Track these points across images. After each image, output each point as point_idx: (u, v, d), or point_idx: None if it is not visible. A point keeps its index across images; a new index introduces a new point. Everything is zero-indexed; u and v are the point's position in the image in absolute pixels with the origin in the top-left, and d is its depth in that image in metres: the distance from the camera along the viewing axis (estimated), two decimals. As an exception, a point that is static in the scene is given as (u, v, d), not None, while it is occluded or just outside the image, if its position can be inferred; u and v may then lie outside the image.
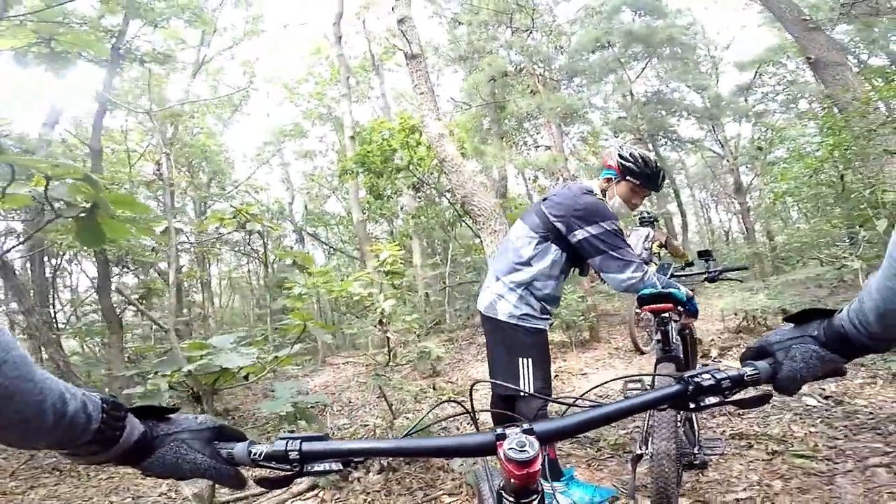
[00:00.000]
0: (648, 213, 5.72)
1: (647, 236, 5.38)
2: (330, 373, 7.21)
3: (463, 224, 9.20)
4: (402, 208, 10.69)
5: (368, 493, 2.50)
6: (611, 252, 1.90)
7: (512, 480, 0.57)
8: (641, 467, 1.81)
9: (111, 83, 5.36)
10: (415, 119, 6.98)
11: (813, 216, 10.05)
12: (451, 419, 3.16)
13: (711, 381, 0.62)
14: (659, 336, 1.97)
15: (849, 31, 9.60)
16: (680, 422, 1.78)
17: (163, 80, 9.84)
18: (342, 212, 18.43)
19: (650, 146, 16.87)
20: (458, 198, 3.83)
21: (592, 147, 17.31)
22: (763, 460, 2.37)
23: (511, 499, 0.59)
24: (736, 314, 5.98)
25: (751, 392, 0.66)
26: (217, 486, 2.79)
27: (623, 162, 2.08)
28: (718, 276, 2.41)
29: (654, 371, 1.95)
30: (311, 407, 1.61)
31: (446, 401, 0.88)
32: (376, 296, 2.59)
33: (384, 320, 2.62)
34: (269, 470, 0.58)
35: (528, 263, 1.99)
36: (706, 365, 3.90)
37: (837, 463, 2.18)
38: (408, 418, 3.54)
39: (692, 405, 0.63)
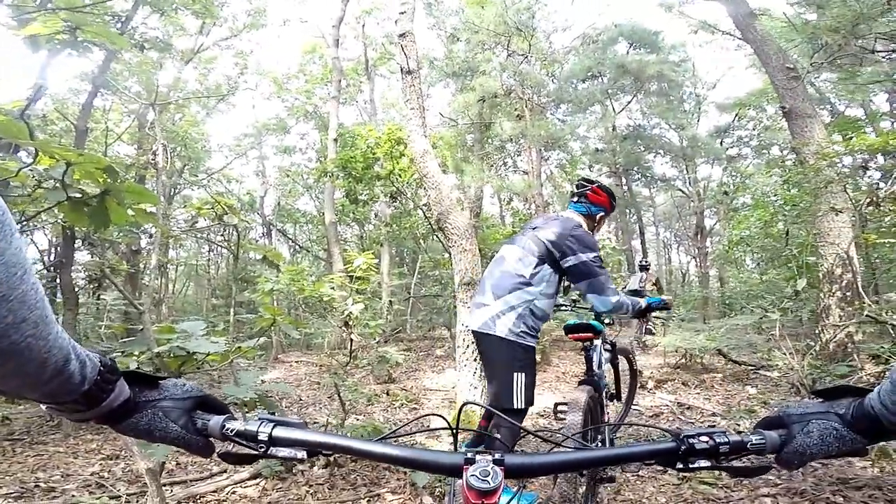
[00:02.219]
0: (645, 261, 7.63)
1: (643, 277, 7.16)
2: (281, 370, 7.23)
3: (435, 238, 9.39)
4: (375, 215, 10.81)
5: (311, 486, 2.62)
6: (599, 277, 2.15)
7: None
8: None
9: (108, 66, 5.33)
10: (401, 132, 7.16)
11: (766, 266, 10.66)
12: (429, 433, 3.25)
13: (708, 444, 0.58)
14: (585, 360, 2.24)
15: (831, 80, 9.60)
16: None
17: (155, 65, 9.72)
18: (313, 210, 18.36)
19: (624, 180, 17.47)
20: (434, 214, 4.00)
21: (569, 175, 17.81)
22: (674, 485, 2.63)
23: None
24: (676, 351, 6.37)
25: (751, 460, 0.62)
26: (181, 457, 2.85)
27: (613, 202, 2.41)
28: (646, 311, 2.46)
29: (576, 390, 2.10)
30: (270, 396, 1.74)
31: (433, 415, 0.90)
32: (344, 298, 2.73)
33: (350, 322, 2.77)
34: (237, 446, 0.60)
35: (529, 283, 2.15)
36: (651, 391, 4.19)
37: (734, 491, 2.47)
38: (358, 419, 3.68)
39: (680, 465, 0.59)
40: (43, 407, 0.54)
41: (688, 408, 4.42)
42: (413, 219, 9.76)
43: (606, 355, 2.45)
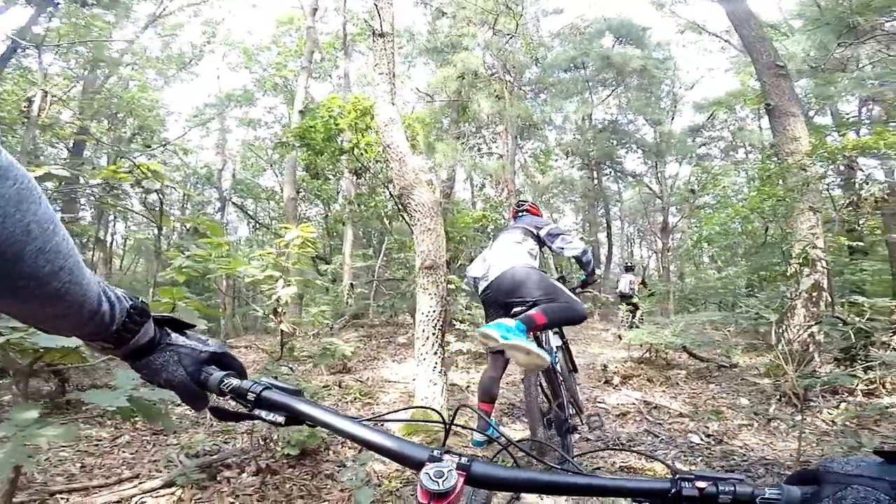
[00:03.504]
0: (631, 263, 9.10)
1: (631, 279, 8.76)
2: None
3: (402, 218, 8.98)
4: (339, 193, 10.31)
5: (238, 497, 2.24)
6: (564, 235, 3.04)
7: None
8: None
9: (35, 21, 4.62)
10: (368, 101, 6.68)
11: (726, 264, 10.88)
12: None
13: (703, 493, 0.49)
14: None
15: (807, 86, 9.51)
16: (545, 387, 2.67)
17: (109, 26, 8.79)
18: (276, 187, 17.62)
19: (595, 173, 17.57)
20: (397, 188, 3.64)
21: (542, 166, 17.73)
22: None
23: None
24: (641, 346, 6.26)
25: None
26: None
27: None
28: (582, 286, 3.28)
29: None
30: (156, 403, 1.35)
31: (428, 408, 0.79)
32: (274, 281, 2.32)
33: (279, 310, 2.36)
34: (234, 405, 0.61)
35: (531, 253, 2.94)
36: (617, 387, 3.99)
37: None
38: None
39: None
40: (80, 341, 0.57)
41: (655, 407, 4.25)
42: (379, 197, 9.31)
43: (557, 340, 2.85)
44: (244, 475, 2.37)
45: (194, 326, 0.67)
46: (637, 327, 7.56)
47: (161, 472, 2.47)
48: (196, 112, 16.92)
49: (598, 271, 3.08)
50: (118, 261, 13.70)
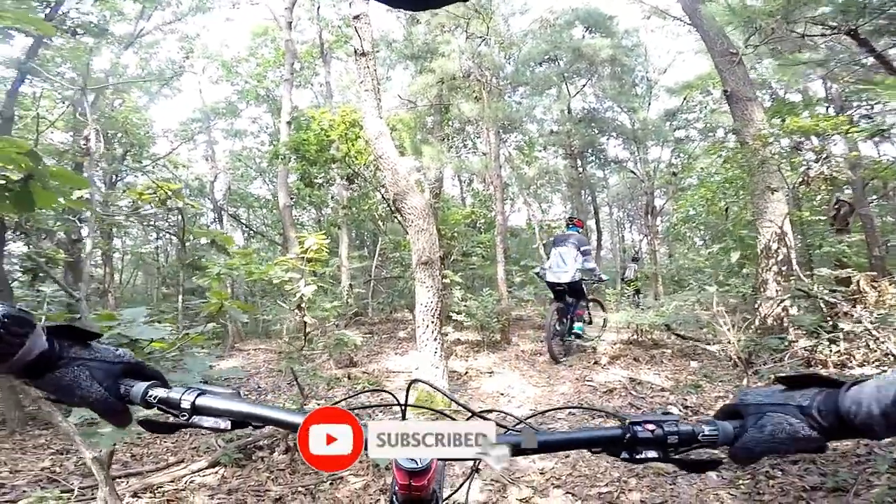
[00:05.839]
0: (637, 252, 10.31)
1: (636, 268, 11.30)
2: (239, 359, 7.07)
3: (395, 220, 9.32)
4: (332, 198, 10.61)
5: (272, 472, 2.60)
6: (589, 255, 5.79)
7: (397, 488, 0.54)
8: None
9: (36, 52, 4.90)
10: (356, 114, 7.00)
11: (710, 243, 11.27)
12: (379, 408, 3.29)
13: (654, 434, 0.54)
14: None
15: (772, 66, 9.55)
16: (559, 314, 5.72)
17: (89, 50, 9.03)
18: (268, 195, 17.91)
19: (579, 162, 17.88)
20: (391, 195, 3.98)
21: (527, 157, 18.03)
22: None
23: None
24: (628, 327, 6.66)
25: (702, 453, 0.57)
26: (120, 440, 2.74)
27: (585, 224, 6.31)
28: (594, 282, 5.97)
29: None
30: (224, 380, 1.69)
31: (381, 390, 0.86)
32: (296, 281, 2.68)
33: (303, 305, 2.72)
34: (164, 415, 0.58)
35: (577, 265, 5.59)
36: (605, 367, 4.38)
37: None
38: (319, 403, 3.67)
39: (626, 455, 0.54)
40: None
41: (639, 383, 4.64)
42: (371, 201, 9.64)
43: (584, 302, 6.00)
44: (275, 454, 2.73)
45: (100, 336, 0.60)
46: (639, 306, 8.01)
47: (202, 456, 2.83)
48: (183, 127, 17.16)
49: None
50: (118, 275, 13.96)
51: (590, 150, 17.34)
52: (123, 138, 11.73)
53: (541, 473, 2.66)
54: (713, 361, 5.46)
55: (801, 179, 4.65)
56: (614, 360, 5.62)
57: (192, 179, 16.39)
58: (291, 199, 10.19)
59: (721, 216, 8.35)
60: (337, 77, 16.22)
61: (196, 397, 0.56)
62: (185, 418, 0.56)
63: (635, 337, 6.58)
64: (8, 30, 1.35)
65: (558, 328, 5.80)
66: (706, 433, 0.54)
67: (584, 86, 15.35)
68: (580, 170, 17.63)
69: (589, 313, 6.34)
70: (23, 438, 3.62)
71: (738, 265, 7.10)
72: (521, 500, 2.38)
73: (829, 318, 4.46)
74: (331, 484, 2.48)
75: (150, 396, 0.57)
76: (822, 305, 4.45)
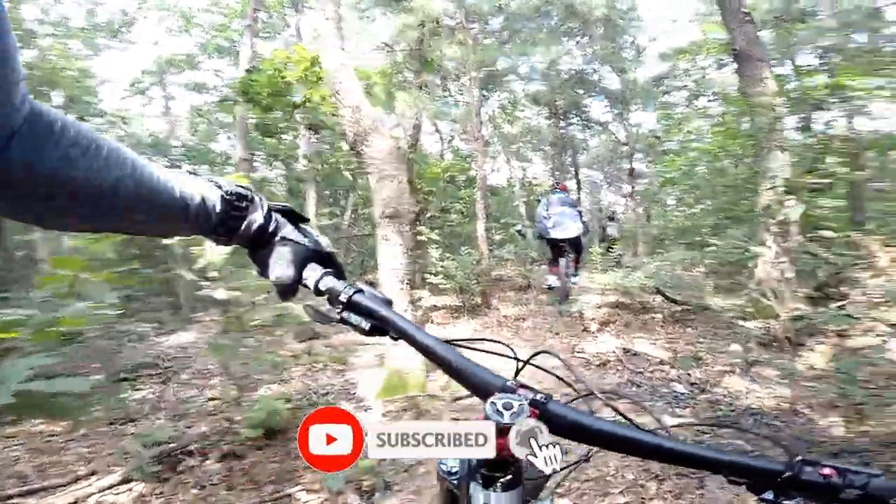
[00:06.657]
0: (613, 213, 12.34)
1: (617, 226, 11.74)
2: (194, 333, 6.34)
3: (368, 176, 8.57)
4: (299, 150, 9.76)
5: (203, 487, 2.05)
6: (581, 215, 6.70)
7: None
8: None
9: None
10: (316, 52, 6.12)
11: (692, 205, 11.04)
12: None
13: (829, 480, 0.41)
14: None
15: (769, 36, 9.77)
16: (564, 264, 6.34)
17: None
18: (232, 151, 16.86)
19: (562, 122, 17.40)
20: (350, 136, 3.34)
21: (509, 116, 17.37)
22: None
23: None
24: (616, 290, 6.26)
25: None
26: None
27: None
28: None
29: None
30: (57, 395, 1.11)
31: (497, 342, 0.70)
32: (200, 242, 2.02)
33: (211, 275, 2.09)
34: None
35: (576, 219, 6.46)
36: (594, 335, 3.85)
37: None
38: (271, 389, 3.11)
39: (770, 495, 0.44)
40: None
41: (634, 354, 4.24)
42: (341, 153, 8.85)
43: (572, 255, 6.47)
44: (208, 462, 2.17)
45: (308, 220, 0.66)
46: (619, 264, 7.64)
47: (120, 465, 2.25)
48: (134, 81, 15.93)
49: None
50: (66, 239, 12.91)
51: (574, 112, 17.03)
52: (60, 92, 10.65)
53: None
54: (709, 328, 5.14)
55: (820, 141, 4.21)
56: (604, 327, 5.24)
57: (148, 136, 15.15)
58: (251, 153, 9.31)
59: (714, 176, 7.97)
60: (309, 26, 14.99)
61: (353, 294, 0.58)
62: (339, 310, 0.58)
63: (623, 300, 6.19)
64: None
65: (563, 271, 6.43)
66: None
67: (574, 44, 14.84)
68: (563, 130, 17.27)
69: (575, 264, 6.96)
70: None
71: (724, 227, 6.82)
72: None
73: (829, 284, 4.20)
74: (275, 502, 1.95)
75: (321, 284, 0.60)
76: (827, 268, 4.15)
